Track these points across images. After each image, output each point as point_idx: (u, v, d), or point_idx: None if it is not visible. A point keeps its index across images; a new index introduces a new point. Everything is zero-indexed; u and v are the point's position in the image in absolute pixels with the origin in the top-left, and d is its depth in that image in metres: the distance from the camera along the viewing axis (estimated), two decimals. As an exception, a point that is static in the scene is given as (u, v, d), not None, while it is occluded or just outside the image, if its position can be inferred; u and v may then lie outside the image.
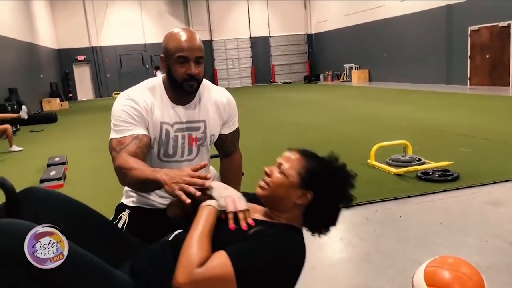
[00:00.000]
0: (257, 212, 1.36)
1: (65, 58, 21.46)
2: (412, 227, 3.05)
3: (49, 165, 5.48)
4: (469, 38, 14.25)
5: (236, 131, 1.86)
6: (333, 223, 1.40)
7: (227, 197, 1.29)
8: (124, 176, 1.48)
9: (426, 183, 3.95)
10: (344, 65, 21.66)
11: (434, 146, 5.51)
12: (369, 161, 4.73)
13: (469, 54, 14.34)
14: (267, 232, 1.23)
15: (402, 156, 4.63)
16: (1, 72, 12.08)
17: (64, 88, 21.01)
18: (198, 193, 1.25)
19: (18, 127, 10.04)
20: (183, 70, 1.56)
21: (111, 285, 1.16)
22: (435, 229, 2.97)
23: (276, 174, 1.34)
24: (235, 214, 1.27)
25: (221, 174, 1.93)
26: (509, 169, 4.24)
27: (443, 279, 1.81)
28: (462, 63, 14.59)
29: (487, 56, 13.73)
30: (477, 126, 6.75)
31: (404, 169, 4.32)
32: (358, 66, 20.78)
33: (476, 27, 13.95)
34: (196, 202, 1.29)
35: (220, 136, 1.81)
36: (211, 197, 1.31)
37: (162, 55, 1.61)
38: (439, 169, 4.23)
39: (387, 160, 4.67)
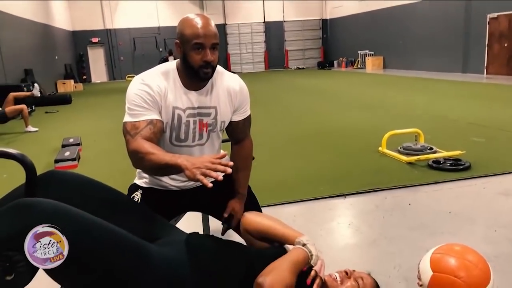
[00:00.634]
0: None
1: (80, 40, 21.58)
2: (420, 215, 3.06)
3: (63, 146, 5.57)
4: (487, 26, 13.95)
5: (248, 119, 1.88)
6: None
7: (320, 259, 1.49)
8: (140, 160, 1.51)
9: (437, 172, 3.94)
10: (359, 52, 21.41)
11: (446, 135, 5.46)
12: (380, 148, 4.73)
13: (487, 42, 14.05)
14: None
15: (414, 145, 4.62)
16: (17, 53, 12.21)
17: (79, 70, 21.18)
18: (220, 178, 1.29)
19: (33, 108, 10.18)
20: (199, 57, 1.58)
21: (144, 257, 1.22)
22: (444, 217, 2.97)
23: (352, 282, 1.51)
24: (316, 276, 1.43)
25: (231, 160, 1.96)
26: (522, 160, 4.20)
27: (449, 266, 1.83)
28: (480, 51, 14.31)
29: (505, 45, 13.44)
30: (492, 116, 6.66)
31: (415, 158, 4.31)
32: (372, 53, 20.52)
33: (495, 14, 13.63)
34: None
35: (231, 122, 1.82)
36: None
37: (178, 41, 1.62)
38: (450, 158, 4.21)
39: (399, 148, 4.65)
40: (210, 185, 1.29)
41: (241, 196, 1.88)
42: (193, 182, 1.81)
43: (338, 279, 1.48)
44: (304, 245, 1.45)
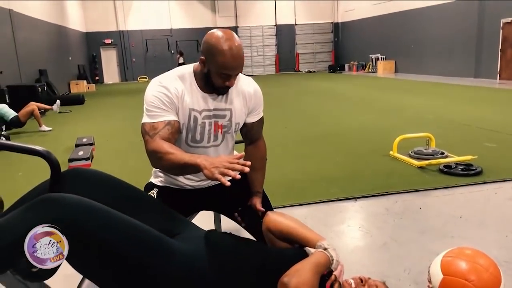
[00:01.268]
0: None
1: (93, 41, 21.84)
2: (431, 219, 3.07)
3: (77, 145, 5.65)
4: (501, 30, 13.83)
5: (261, 120, 1.93)
6: None
7: (340, 264, 1.51)
8: (159, 159, 1.56)
9: (448, 177, 3.93)
10: (370, 56, 21.35)
11: (458, 140, 5.44)
12: (391, 152, 4.73)
13: (500, 47, 13.93)
14: None
15: (425, 149, 4.61)
16: (32, 54, 12.41)
17: (91, 71, 21.43)
18: (238, 176, 1.33)
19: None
20: (223, 81, 1.64)
21: (166, 251, 1.27)
22: (454, 222, 2.98)
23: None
24: (336, 280, 1.46)
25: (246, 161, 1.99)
26: (535, 166, 4.18)
27: (459, 269, 1.84)
28: (492, 56, 14.19)
29: (519, 50, 13.33)
30: (504, 121, 6.62)
31: (426, 162, 4.30)
32: (384, 57, 20.45)
33: (509, 19, 13.52)
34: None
35: (245, 124, 1.87)
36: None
37: (204, 58, 1.63)
38: (462, 163, 4.20)
39: (410, 152, 4.65)
40: (228, 183, 1.33)
41: (259, 195, 1.93)
42: (207, 182, 1.86)
43: (353, 285, 1.50)
44: (325, 249, 1.48)
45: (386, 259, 2.53)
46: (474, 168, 4.03)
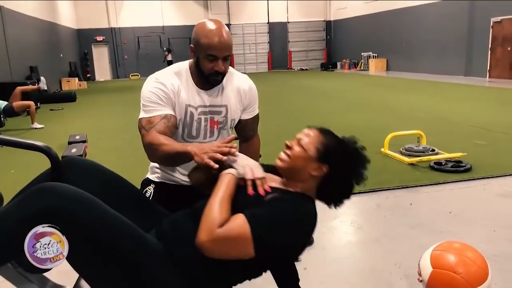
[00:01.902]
0: (274, 181, 1.47)
1: (84, 39, 21.69)
2: (421, 214, 3.13)
3: (70, 143, 5.64)
4: (491, 29, 13.99)
5: (256, 117, 1.96)
6: (347, 196, 1.50)
7: (246, 166, 1.39)
8: (154, 151, 1.59)
9: (439, 173, 4.00)
10: (362, 54, 21.46)
11: (448, 138, 5.52)
12: (382, 150, 4.79)
13: (490, 46, 14.09)
14: (282, 198, 1.34)
15: (416, 146, 4.67)
16: (23, 50, 12.31)
17: (83, 68, 21.28)
18: (225, 158, 1.36)
19: (38, 105, 10.28)
20: (211, 66, 1.66)
21: (142, 244, 1.28)
22: (444, 217, 3.04)
23: (296, 148, 1.44)
24: (253, 181, 1.36)
25: None
26: (523, 162, 4.26)
27: (448, 262, 1.90)
28: (483, 55, 14.35)
29: (509, 49, 13.48)
30: (494, 119, 6.71)
31: (417, 159, 4.37)
32: (376, 55, 20.57)
33: (498, 18, 13.68)
34: (221, 169, 1.40)
35: (240, 121, 1.90)
36: (232, 166, 1.41)
37: (192, 45, 1.68)
38: (452, 160, 4.27)
39: (401, 149, 4.71)
40: (216, 166, 1.35)
41: None
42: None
43: (285, 157, 1.44)
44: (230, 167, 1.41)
45: (378, 253, 2.58)
46: (463, 164, 4.10)
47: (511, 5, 13.00)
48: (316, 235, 1.60)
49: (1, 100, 7.62)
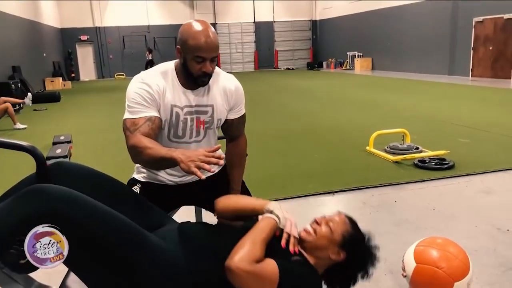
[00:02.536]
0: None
1: (68, 38, 21.42)
2: (406, 211, 3.18)
3: (54, 143, 5.58)
4: (473, 29, 14.23)
5: (242, 117, 1.96)
6: (347, 286, 1.58)
7: (288, 220, 1.48)
8: (138, 154, 1.59)
9: (423, 171, 4.07)
10: (348, 53, 21.61)
11: (432, 136, 5.61)
12: (367, 148, 4.85)
13: (472, 45, 14.33)
14: (306, 266, 1.46)
15: (401, 144, 4.74)
16: (5, 50, 12.10)
17: (67, 68, 21.00)
18: (213, 170, 1.37)
19: (21, 105, 10.12)
20: (199, 67, 1.66)
21: (142, 243, 1.30)
22: (427, 214, 3.09)
23: (324, 227, 1.53)
24: (288, 236, 1.46)
25: (226, 158, 2.02)
26: (503, 159, 4.36)
27: (431, 257, 1.94)
28: (465, 54, 14.59)
29: (490, 48, 13.73)
30: (477, 117, 6.84)
31: (402, 157, 4.43)
32: (361, 54, 20.75)
33: (480, 18, 13.91)
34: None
35: (226, 120, 1.90)
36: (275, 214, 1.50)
37: (179, 46, 1.68)
38: (435, 157, 4.34)
39: (386, 147, 4.78)
40: (204, 177, 1.36)
41: (235, 192, 1.96)
42: (190, 177, 1.89)
43: (311, 231, 1.52)
44: (271, 212, 1.49)
45: (363, 250, 2.61)
46: (447, 162, 4.18)
47: (493, 5, 13.24)
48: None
49: None
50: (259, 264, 1.30)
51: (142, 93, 1.68)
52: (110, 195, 1.49)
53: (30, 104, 8.36)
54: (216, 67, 1.79)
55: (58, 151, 4.99)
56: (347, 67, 21.67)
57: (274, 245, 1.41)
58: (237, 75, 2.04)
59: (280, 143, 5.68)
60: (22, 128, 7.46)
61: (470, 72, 14.49)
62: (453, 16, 14.92)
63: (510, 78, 13.03)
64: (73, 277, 1.51)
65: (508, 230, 2.75)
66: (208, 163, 1.39)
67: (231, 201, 1.65)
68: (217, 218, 1.68)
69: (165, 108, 1.72)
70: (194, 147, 1.82)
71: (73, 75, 21.14)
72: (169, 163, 1.48)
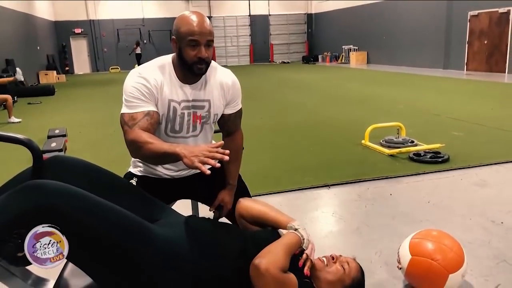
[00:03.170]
0: None
1: (62, 31, 21.24)
2: (401, 204, 3.20)
3: (49, 137, 5.55)
4: (468, 23, 14.25)
5: (239, 112, 1.95)
6: None
7: (311, 244, 1.56)
8: (138, 149, 1.57)
9: (418, 164, 4.09)
10: (343, 47, 21.60)
11: (427, 129, 5.64)
12: (363, 141, 4.86)
13: (467, 39, 14.36)
14: None
15: (396, 138, 4.76)
16: (-2, 43, 12.00)
17: (61, 61, 20.86)
18: (218, 165, 1.37)
19: (15, 99, 10.06)
20: (194, 53, 1.64)
21: (147, 236, 1.31)
22: (423, 207, 3.12)
23: (339, 265, 1.59)
24: (307, 258, 1.52)
25: None
26: (497, 153, 4.39)
27: (426, 250, 1.96)
28: (460, 48, 14.62)
29: (485, 42, 13.77)
30: (471, 111, 6.88)
31: (397, 150, 4.45)
32: (357, 48, 20.74)
33: (475, 12, 13.93)
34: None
35: (223, 115, 1.90)
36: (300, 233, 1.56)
37: (174, 37, 1.68)
38: (430, 151, 4.36)
39: (381, 141, 4.79)
40: (208, 172, 1.36)
41: (231, 187, 1.95)
42: (186, 171, 1.89)
43: (326, 262, 1.58)
44: (296, 229, 1.54)
45: (359, 243, 2.63)
46: (442, 155, 4.20)
47: (487, -1, 13.27)
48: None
49: None
50: (286, 274, 1.37)
51: (140, 88, 1.67)
52: (108, 188, 1.49)
53: (22, 79, 8.19)
54: (213, 62, 1.79)
55: (53, 144, 4.97)
56: (343, 61, 21.65)
57: (291, 261, 1.46)
58: (233, 68, 2.04)
59: (276, 136, 5.68)
60: (17, 122, 7.41)
61: (465, 66, 14.53)
62: (448, 10, 14.92)
63: (505, 72, 13.09)
64: (70, 270, 1.52)
65: (502, 222, 2.78)
66: (213, 158, 1.38)
67: (256, 206, 1.68)
68: (236, 219, 1.72)
69: (163, 103, 1.71)
70: (191, 141, 1.82)
71: (67, 68, 20.99)
72: (171, 158, 1.47)
